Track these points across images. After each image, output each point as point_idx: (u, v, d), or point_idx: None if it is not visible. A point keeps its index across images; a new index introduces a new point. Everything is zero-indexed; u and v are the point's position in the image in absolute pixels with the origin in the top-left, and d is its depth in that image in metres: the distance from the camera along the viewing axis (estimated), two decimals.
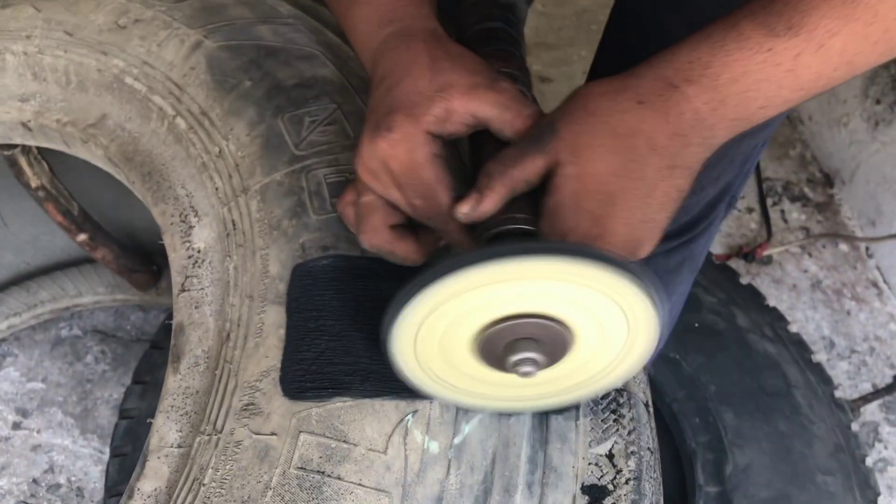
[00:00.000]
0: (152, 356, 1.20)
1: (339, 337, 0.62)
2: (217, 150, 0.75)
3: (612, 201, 0.55)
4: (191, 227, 0.74)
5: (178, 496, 0.58)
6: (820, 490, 1.14)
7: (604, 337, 0.53)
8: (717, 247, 1.75)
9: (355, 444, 0.57)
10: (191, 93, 0.79)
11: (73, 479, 1.30)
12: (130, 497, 0.61)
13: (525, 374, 0.52)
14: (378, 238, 0.62)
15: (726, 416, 1.22)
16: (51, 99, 0.88)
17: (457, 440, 0.59)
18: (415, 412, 0.59)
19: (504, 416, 0.61)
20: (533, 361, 0.52)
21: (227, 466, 0.57)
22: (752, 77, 0.54)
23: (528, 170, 0.56)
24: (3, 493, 1.27)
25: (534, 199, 0.58)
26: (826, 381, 1.28)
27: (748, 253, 1.69)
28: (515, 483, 0.59)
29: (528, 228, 0.57)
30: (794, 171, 1.94)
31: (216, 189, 0.74)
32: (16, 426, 1.35)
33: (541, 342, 0.52)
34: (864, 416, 1.52)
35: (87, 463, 1.31)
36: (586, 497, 0.59)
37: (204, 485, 0.57)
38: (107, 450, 1.32)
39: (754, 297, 1.37)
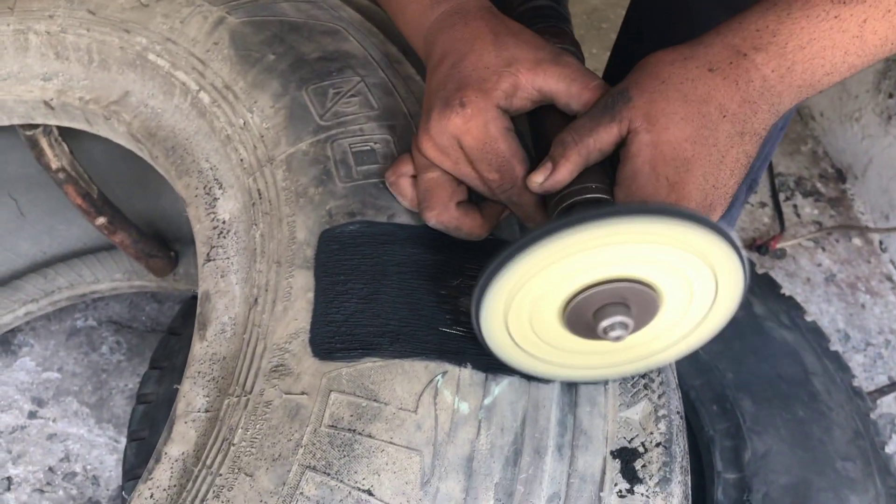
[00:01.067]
0: (169, 342, 1.20)
1: (368, 300, 0.62)
2: (241, 122, 0.75)
3: (688, 167, 0.55)
4: (215, 199, 0.74)
5: (207, 457, 0.58)
6: (840, 476, 1.14)
7: (691, 297, 0.53)
8: None
9: (386, 404, 0.57)
10: (214, 68, 0.80)
11: (88, 467, 1.29)
12: (158, 461, 0.61)
13: (616, 339, 0.52)
14: (447, 214, 0.62)
15: (744, 403, 1.21)
16: (73, 77, 0.88)
17: (486, 401, 0.58)
18: (444, 373, 0.59)
19: (533, 379, 0.60)
20: (623, 325, 0.52)
21: (258, 426, 0.57)
22: (819, 44, 0.54)
23: (602, 138, 0.57)
24: (19, 481, 1.27)
25: (604, 168, 0.58)
26: (844, 368, 1.27)
27: (761, 245, 1.68)
28: (545, 445, 0.58)
29: (603, 197, 0.57)
30: (807, 167, 1.94)
31: (241, 160, 0.74)
32: (32, 415, 1.35)
33: (629, 306, 0.52)
34: (881, 408, 1.51)
35: (103, 452, 1.31)
36: (617, 460, 0.59)
37: (234, 445, 0.57)
38: (122, 439, 1.32)
39: (770, 285, 1.36)
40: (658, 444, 0.59)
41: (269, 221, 0.69)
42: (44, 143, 0.97)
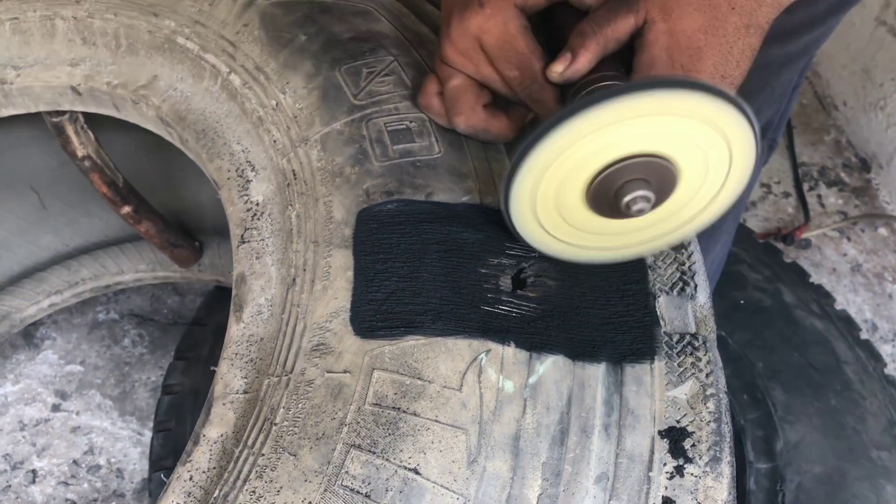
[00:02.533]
0: (194, 333, 1.19)
1: (408, 278, 0.60)
2: (274, 103, 0.74)
3: (700, 56, 0.59)
4: (248, 182, 0.73)
5: (248, 437, 0.56)
6: (875, 465, 1.12)
7: (707, 170, 0.55)
8: (755, 229, 1.73)
9: (430, 382, 0.56)
10: (245, 49, 0.79)
11: (112, 460, 1.29)
12: (196, 443, 0.60)
13: (638, 213, 0.54)
14: (475, 117, 0.65)
15: (775, 392, 1.20)
16: (101, 63, 0.87)
17: (531, 380, 0.57)
18: (488, 351, 0.57)
19: (577, 360, 0.59)
20: (645, 199, 0.54)
21: (300, 405, 0.56)
22: None
23: (619, 28, 0.59)
24: (44, 473, 1.27)
25: (619, 59, 0.61)
26: (876, 357, 1.25)
27: (786, 235, 1.67)
28: (592, 424, 0.57)
29: (620, 84, 0.58)
30: (830, 157, 1.92)
31: (273, 142, 0.73)
32: (55, 408, 1.34)
33: (650, 180, 0.54)
34: None
35: (127, 444, 1.30)
36: (666, 440, 0.58)
37: (276, 424, 0.56)
38: (145, 431, 1.31)
39: (799, 274, 1.35)
40: (708, 423, 0.58)
41: (305, 202, 0.67)
42: (70, 130, 0.96)
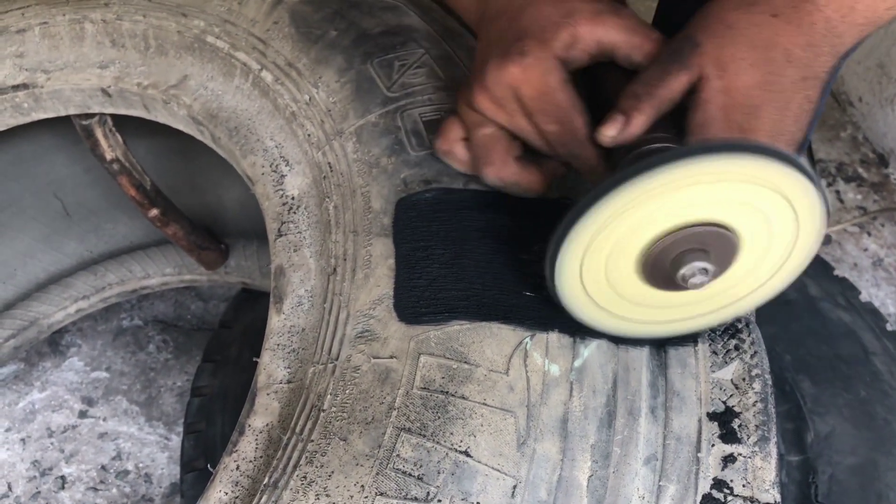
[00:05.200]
0: (221, 335, 1.20)
1: (450, 265, 0.61)
2: (307, 98, 0.75)
3: (757, 114, 0.55)
4: (282, 176, 0.74)
5: (296, 424, 0.57)
6: None
7: (771, 236, 0.52)
8: None
9: (476, 365, 0.56)
10: (276, 46, 0.79)
11: (140, 465, 1.29)
12: (242, 433, 0.60)
13: (697, 286, 0.51)
14: (506, 170, 0.61)
15: (804, 384, 1.19)
16: (130, 64, 0.88)
17: (577, 363, 0.57)
18: (532, 335, 0.57)
19: (621, 343, 0.59)
20: (703, 271, 0.51)
21: (347, 391, 0.56)
22: None
23: (673, 87, 0.55)
24: (73, 479, 1.27)
25: (670, 118, 0.57)
26: None
27: None
28: (639, 407, 0.57)
29: (672, 146, 0.56)
30: (847, 153, 1.91)
31: (308, 136, 0.73)
32: (82, 414, 1.34)
33: (709, 251, 0.51)
34: None
35: (154, 450, 1.30)
36: (714, 421, 0.57)
37: (324, 411, 0.56)
38: (173, 436, 1.31)
39: (823, 266, 1.34)
40: (754, 404, 0.58)
41: (342, 193, 0.68)
42: (99, 133, 0.97)
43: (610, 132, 0.56)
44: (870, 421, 1.15)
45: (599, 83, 0.61)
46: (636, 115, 0.55)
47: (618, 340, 0.58)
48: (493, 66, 0.58)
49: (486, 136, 0.61)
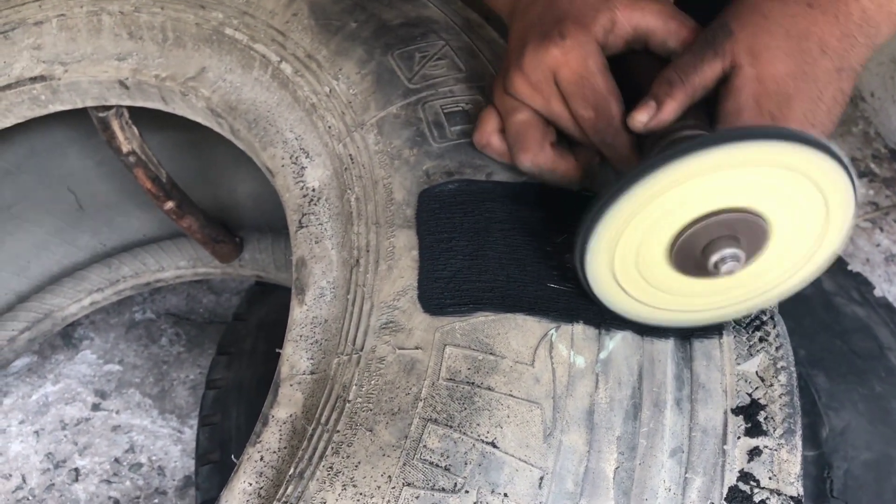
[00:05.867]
0: (236, 328, 1.20)
1: (474, 256, 0.60)
2: (327, 90, 0.75)
3: (789, 104, 0.54)
4: (303, 168, 0.74)
5: (321, 415, 0.56)
6: None
7: (802, 223, 0.51)
8: None
9: (502, 357, 0.55)
10: (295, 38, 0.79)
11: (153, 458, 1.29)
12: (265, 424, 0.60)
13: (728, 273, 0.51)
14: (543, 156, 0.60)
15: (818, 379, 1.18)
16: (148, 56, 0.88)
17: (602, 355, 0.57)
18: (558, 327, 0.57)
19: (646, 335, 0.59)
20: (734, 257, 0.50)
21: (373, 382, 0.56)
22: None
23: (706, 74, 0.55)
24: (86, 472, 1.27)
25: (701, 107, 0.57)
26: None
27: None
28: (664, 399, 0.57)
29: (704, 133, 0.55)
30: (859, 148, 1.91)
31: (328, 128, 0.73)
32: (95, 407, 1.35)
33: (739, 237, 0.50)
34: None
35: (167, 442, 1.30)
36: (739, 413, 0.57)
37: (349, 401, 0.56)
38: (185, 429, 1.32)
39: (837, 261, 1.34)
40: (780, 396, 0.58)
41: (364, 185, 0.68)
42: (115, 125, 0.97)
43: (642, 118, 0.56)
44: (885, 416, 1.14)
45: (631, 71, 0.61)
46: (669, 101, 0.55)
47: (644, 329, 0.58)
48: (532, 49, 0.58)
49: (522, 121, 0.61)
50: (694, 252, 0.51)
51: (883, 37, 0.56)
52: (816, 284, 1.29)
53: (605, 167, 0.62)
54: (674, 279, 0.54)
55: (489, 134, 0.63)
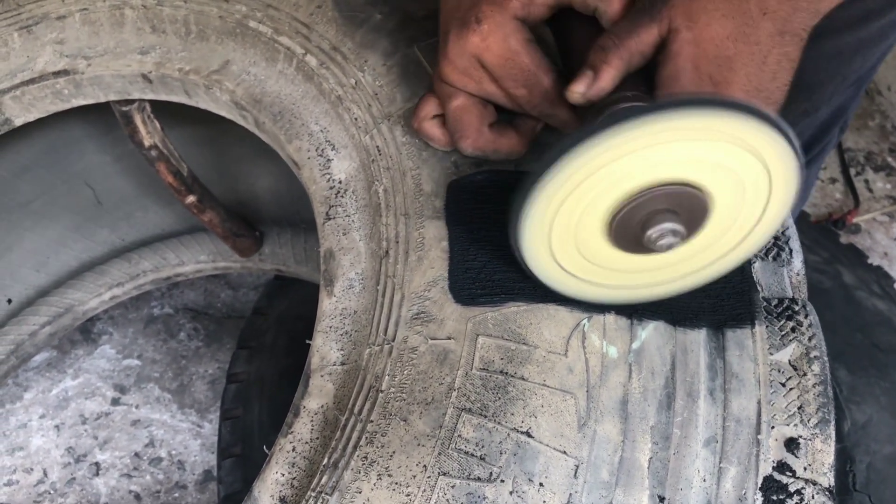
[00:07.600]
0: (256, 322, 1.20)
1: (504, 247, 0.60)
2: (353, 82, 0.75)
3: (731, 66, 0.53)
4: (329, 161, 0.74)
5: (353, 405, 0.56)
6: None
7: (743, 198, 0.50)
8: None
9: (535, 347, 0.55)
10: (320, 30, 0.79)
11: (173, 452, 1.29)
12: (297, 415, 0.60)
13: (666, 248, 0.49)
14: (482, 139, 0.60)
15: (840, 373, 1.18)
16: (171, 49, 0.88)
17: (634, 345, 0.57)
18: (589, 317, 0.57)
19: (678, 325, 0.59)
20: (673, 232, 0.49)
21: (405, 372, 0.56)
22: None
23: (643, 40, 0.54)
24: (107, 466, 1.28)
25: (641, 75, 0.55)
26: None
27: (837, 220, 1.65)
28: (697, 389, 0.57)
29: (642, 104, 0.54)
30: (876, 142, 1.90)
31: (354, 120, 0.73)
32: (115, 402, 1.35)
33: (678, 211, 0.49)
34: None
35: (187, 437, 1.31)
36: (773, 403, 0.57)
37: (382, 391, 0.56)
38: (205, 424, 1.32)
39: (857, 255, 1.33)
40: (814, 386, 0.57)
41: (392, 176, 0.68)
42: (138, 119, 0.97)
43: (579, 88, 0.54)
44: None
45: (570, 36, 0.60)
46: (605, 68, 0.54)
47: (676, 319, 0.58)
48: (454, 37, 0.57)
49: (458, 107, 0.60)
50: (631, 228, 0.50)
51: (826, 4, 0.53)
52: (837, 278, 1.29)
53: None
54: (615, 256, 0.53)
55: (422, 119, 0.63)
